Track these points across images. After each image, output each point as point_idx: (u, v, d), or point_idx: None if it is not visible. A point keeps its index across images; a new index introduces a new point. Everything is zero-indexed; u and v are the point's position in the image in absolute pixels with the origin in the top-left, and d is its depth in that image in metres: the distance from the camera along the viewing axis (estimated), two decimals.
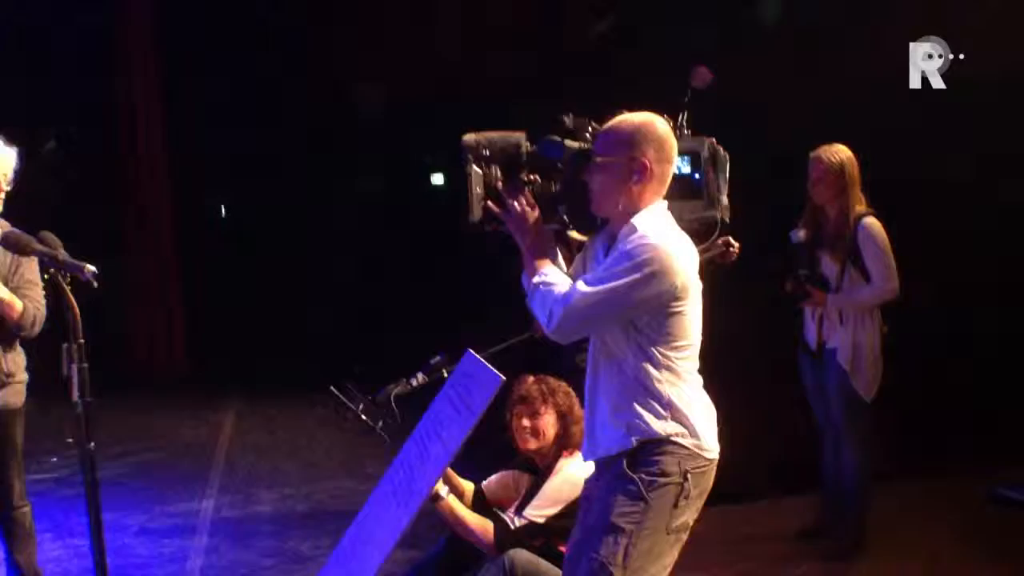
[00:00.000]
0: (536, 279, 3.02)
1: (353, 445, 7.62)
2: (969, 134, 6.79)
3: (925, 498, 5.86)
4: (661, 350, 2.95)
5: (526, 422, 4.04)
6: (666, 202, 3.07)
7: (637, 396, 2.96)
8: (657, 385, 2.95)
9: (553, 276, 3.01)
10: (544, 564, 3.73)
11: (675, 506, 2.94)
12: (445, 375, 4.16)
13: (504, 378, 3.47)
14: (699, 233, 3.44)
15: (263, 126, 12.09)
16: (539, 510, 3.82)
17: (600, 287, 2.88)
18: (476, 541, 3.83)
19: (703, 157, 3.35)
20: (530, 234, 3.08)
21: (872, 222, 4.92)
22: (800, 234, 5.16)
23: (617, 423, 3.00)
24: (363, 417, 4.14)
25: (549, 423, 4.01)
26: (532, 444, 4.06)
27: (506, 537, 3.79)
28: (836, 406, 5.07)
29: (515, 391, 4.02)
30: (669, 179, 3.06)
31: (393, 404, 4.18)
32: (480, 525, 3.83)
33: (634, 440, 2.95)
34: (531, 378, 4.06)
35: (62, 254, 3.41)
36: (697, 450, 2.97)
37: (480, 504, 4.17)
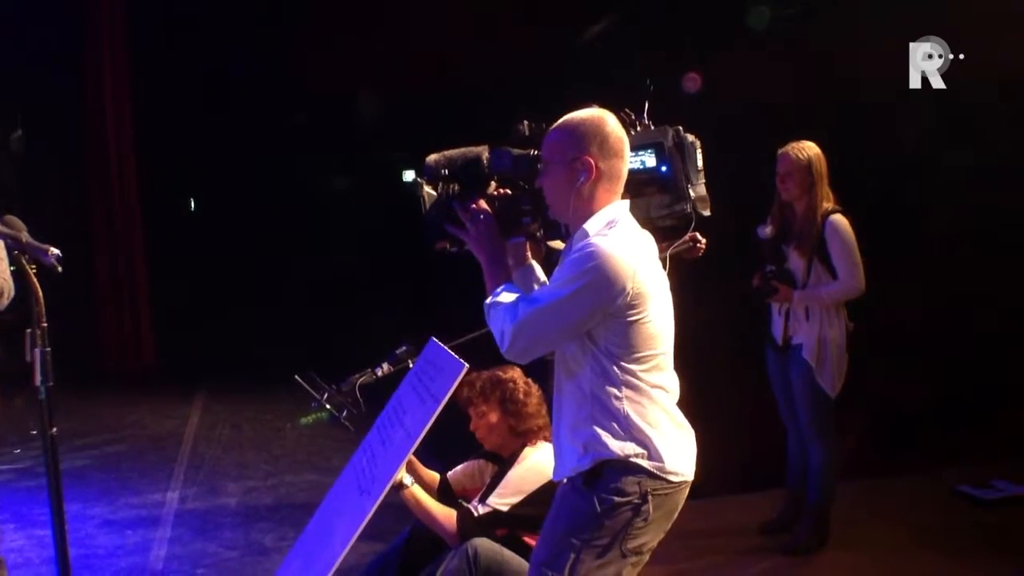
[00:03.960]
0: (489, 300, 2.88)
1: (319, 439, 7.63)
2: (968, 134, 6.85)
3: (887, 494, 5.90)
4: (621, 363, 2.79)
5: (473, 425, 4.12)
6: (626, 201, 2.92)
7: (595, 413, 2.82)
8: (615, 402, 2.80)
9: (505, 295, 2.85)
10: (508, 553, 3.74)
11: (631, 527, 2.81)
12: (410, 365, 4.17)
13: (467, 365, 3.47)
14: (674, 229, 3.35)
15: (233, 122, 12.05)
16: (503, 498, 3.83)
17: (545, 302, 2.74)
18: (440, 530, 3.83)
19: (667, 147, 3.22)
20: (487, 251, 2.97)
21: (839, 219, 4.94)
22: (767, 230, 5.18)
23: (575, 442, 2.86)
24: (327, 406, 4.14)
25: (494, 419, 4.05)
26: (489, 443, 4.14)
27: (469, 525, 3.79)
28: (801, 401, 5.10)
29: (457, 398, 3.97)
30: (623, 176, 2.90)
31: (358, 393, 4.17)
32: (444, 514, 3.84)
33: (590, 461, 2.82)
34: (466, 380, 3.95)
35: (25, 237, 3.38)
36: (659, 472, 2.82)
37: (446, 494, 4.19)
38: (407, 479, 3.82)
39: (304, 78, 11.93)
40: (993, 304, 7.19)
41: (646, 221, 3.05)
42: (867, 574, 4.97)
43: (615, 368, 2.80)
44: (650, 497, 2.81)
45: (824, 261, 4.96)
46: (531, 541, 3.81)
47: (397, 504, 3.88)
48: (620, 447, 2.80)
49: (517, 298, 2.83)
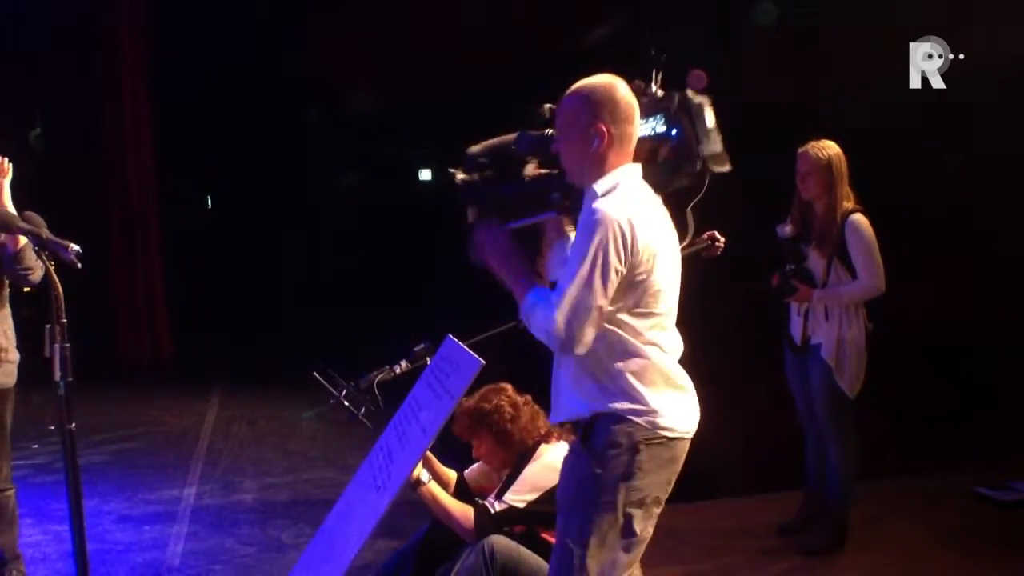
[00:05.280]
0: (524, 309, 2.95)
1: (335, 436, 7.64)
2: (968, 134, 6.82)
3: (905, 495, 5.87)
4: (620, 318, 2.88)
5: (475, 453, 4.14)
6: (637, 165, 3.02)
7: (593, 368, 2.92)
8: (611, 360, 2.90)
9: (534, 295, 2.93)
10: (524, 551, 3.73)
11: (628, 477, 2.88)
12: (428, 362, 4.16)
13: (483, 362, 3.47)
14: (691, 188, 3.40)
15: (253, 121, 12.08)
16: (519, 495, 3.82)
17: (573, 283, 2.80)
18: (457, 527, 3.83)
19: (672, 111, 3.29)
20: (505, 262, 3.06)
21: (859, 218, 4.92)
22: (787, 229, 5.16)
23: (573, 394, 2.98)
24: (345, 403, 4.14)
25: (489, 446, 4.05)
26: (493, 465, 4.16)
27: (486, 522, 3.78)
28: (819, 402, 5.07)
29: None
30: (634, 139, 3.01)
31: (376, 391, 4.18)
32: (461, 511, 3.83)
33: (586, 413, 2.94)
34: (454, 414, 3.90)
35: (45, 233, 3.41)
36: (650, 426, 2.89)
37: (463, 492, 4.18)
38: (424, 476, 3.82)
39: (320, 76, 11.94)
40: (1010, 304, 7.16)
41: (665, 183, 3.11)
42: (885, 575, 4.95)
43: (614, 328, 2.89)
44: (642, 447, 2.89)
45: (844, 261, 4.94)
46: (548, 537, 3.80)
47: (414, 501, 3.88)
48: (614, 403, 2.91)
49: (547, 293, 2.91)
